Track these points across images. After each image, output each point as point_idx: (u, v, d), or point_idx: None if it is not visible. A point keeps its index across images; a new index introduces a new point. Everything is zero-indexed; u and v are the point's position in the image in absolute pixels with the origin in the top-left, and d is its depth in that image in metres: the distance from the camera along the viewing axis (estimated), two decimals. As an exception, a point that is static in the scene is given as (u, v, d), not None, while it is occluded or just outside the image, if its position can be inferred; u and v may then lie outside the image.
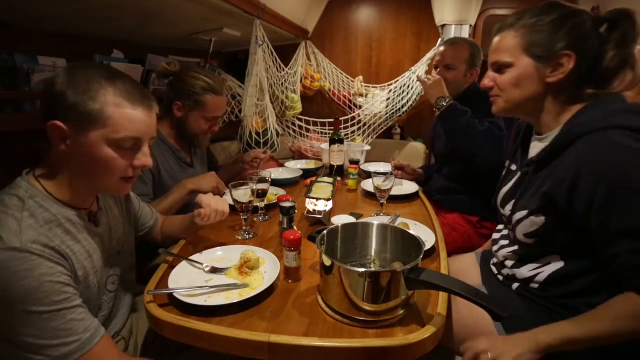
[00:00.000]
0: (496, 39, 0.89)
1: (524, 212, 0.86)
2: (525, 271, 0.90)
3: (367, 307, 0.72)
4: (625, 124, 0.72)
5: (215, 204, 1.00)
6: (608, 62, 0.79)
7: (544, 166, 0.84)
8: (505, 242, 1.00)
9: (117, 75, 0.73)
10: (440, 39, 2.40)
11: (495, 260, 1.04)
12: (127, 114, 0.71)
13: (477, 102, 1.47)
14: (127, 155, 0.74)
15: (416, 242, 0.80)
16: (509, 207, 0.94)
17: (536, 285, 0.88)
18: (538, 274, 0.88)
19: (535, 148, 0.92)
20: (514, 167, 1.01)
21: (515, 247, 0.94)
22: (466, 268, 1.18)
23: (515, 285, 0.93)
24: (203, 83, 1.34)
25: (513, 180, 0.96)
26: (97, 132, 0.69)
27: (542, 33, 0.81)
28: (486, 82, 0.92)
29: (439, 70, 1.61)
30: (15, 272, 0.60)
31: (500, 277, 0.99)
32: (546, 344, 0.74)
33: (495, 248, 1.03)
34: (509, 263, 0.96)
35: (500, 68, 0.88)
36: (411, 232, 0.86)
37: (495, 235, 1.07)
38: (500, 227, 1.08)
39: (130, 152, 0.75)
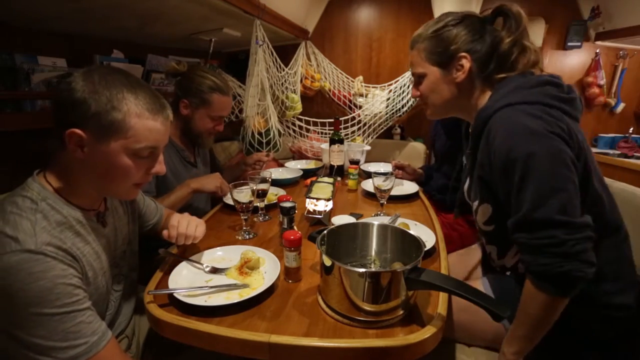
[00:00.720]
0: (410, 55, 0.99)
1: (476, 202, 0.93)
2: (509, 259, 0.94)
3: (367, 307, 0.72)
4: (511, 101, 0.80)
5: (183, 227, 0.96)
6: (505, 46, 0.87)
7: (474, 155, 0.91)
8: (481, 237, 1.04)
9: (136, 84, 0.73)
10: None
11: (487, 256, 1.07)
12: (148, 125, 0.72)
13: None
14: (143, 163, 0.76)
15: (416, 242, 0.80)
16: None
17: (523, 271, 0.90)
18: (518, 260, 0.91)
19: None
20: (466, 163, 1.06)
21: (486, 238, 0.99)
22: (468, 266, 1.19)
23: (508, 273, 0.98)
24: (211, 82, 1.37)
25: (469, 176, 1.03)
26: (118, 142, 0.70)
27: (437, 43, 0.91)
28: (412, 93, 1.03)
29: None
30: (30, 273, 0.60)
31: (497, 269, 1.02)
32: (511, 352, 0.81)
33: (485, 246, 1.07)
34: (494, 256, 0.99)
35: (418, 79, 0.98)
36: (411, 232, 0.86)
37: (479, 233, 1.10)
38: None
39: (146, 160, 0.76)
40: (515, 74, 0.88)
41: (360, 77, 2.72)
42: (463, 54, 0.89)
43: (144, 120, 0.71)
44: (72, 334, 0.63)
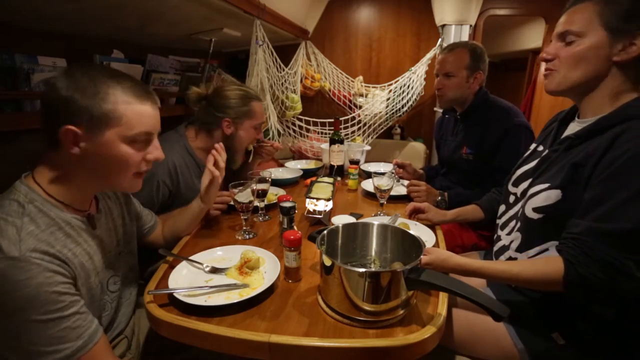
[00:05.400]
0: (570, 10, 0.86)
1: (544, 185, 0.86)
2: (526, 257, 0.91)
3: (367, 307, 0.73)
4: None
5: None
6: None
7: (580, 143, 0.84)
8: (509, 223, 1.01)
9: (118, 74, 0.75)
10: (440, 39, 2.40)
11: (498, 245, 1.04)
12: (138, 110, 0.74)
13: (485, 112, 1.51)
14: (140, 150, 0.77)
15: (416, 242, 0.81)
16: (524, 185, 0.96)
17: None
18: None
19: (573, 130, 0.90)
20: (540, 148, 1.00)
21: (519, 225, 0.95)
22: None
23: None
24: (245, 93, 1.38)
25: (537, 160, 0.97)
26: (113, 131, 0.72)
27: (623, 6, 0.78)
28: (544, 54, 0.89)
29: (439, 78, 1.57)
30: (14, 281, 0.60)
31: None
32: (454, 262, 0.83)
33: (499, 232, 1.05)
34: (514, 245, 0.96)
35: (568, 38, 0.84)
36: (411, 232, 0.86)
37: (498, 221, 1.08)
38: (502, 207, 1.08)
39: (142, 147, 0.78)
40: None
41: (360, 77, 2.72)
42: None
43: (133, 106, 0.73)
44: (57, 339, 0.64)
